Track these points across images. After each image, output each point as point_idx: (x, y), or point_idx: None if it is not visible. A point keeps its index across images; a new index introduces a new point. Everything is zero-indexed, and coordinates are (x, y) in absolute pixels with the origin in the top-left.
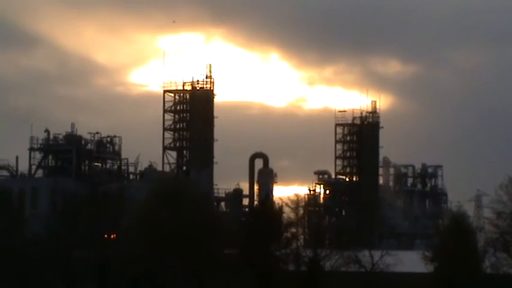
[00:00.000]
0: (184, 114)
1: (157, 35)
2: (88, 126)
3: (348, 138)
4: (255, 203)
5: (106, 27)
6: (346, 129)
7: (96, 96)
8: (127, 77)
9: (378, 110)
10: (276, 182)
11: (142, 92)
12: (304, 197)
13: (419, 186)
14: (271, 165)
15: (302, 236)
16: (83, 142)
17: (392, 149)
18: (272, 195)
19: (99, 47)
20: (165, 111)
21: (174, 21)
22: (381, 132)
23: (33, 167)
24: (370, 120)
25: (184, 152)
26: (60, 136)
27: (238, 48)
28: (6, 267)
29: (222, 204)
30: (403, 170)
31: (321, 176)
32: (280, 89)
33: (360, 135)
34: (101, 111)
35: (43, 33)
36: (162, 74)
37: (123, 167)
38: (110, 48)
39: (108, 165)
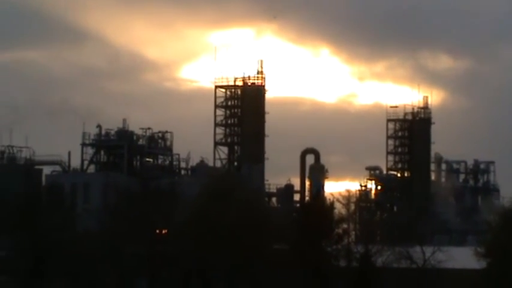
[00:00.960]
0: (236, 110)
1: (208, 30)
2: (139, 122)
3: (400, 133)
4: (306, 198)
5: (156, 22)
6: (397, 124)
7: (147, 91)
8: (177, 73)
9: (429, 106)
10: (327, 178)
11: (193, 88)
12: (356, 193)
13: (471, 182)
14: (322, 160)
15: (353, 232)
16: (134, 138)
17: (444, 144)
18: (323, 191)
19: (150, 43)
20: (216, 106)
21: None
22: (433, 127)
23: (85, 163)
24: (422, 115)
25: (236, 147)
26: (112, 132)
27: (289, 43)
28: (58, 262)
29: (273, 199)
30: (455, 166)
31: (372, 172)
32: (331, 85)
33: (412, 130)
34: (152, 106)
35: (93, 29)
36: (213, 69)
37: (174, 163)
38: (160, 44)
39: (159, 161)
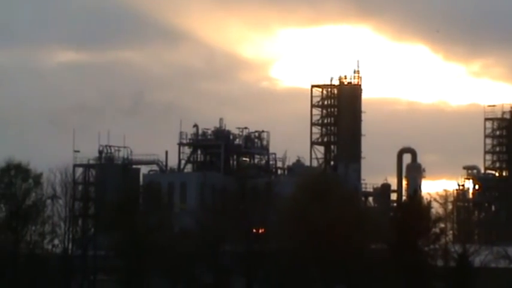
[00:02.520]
0: (332, 109)
1: (303, 30)
2: (235, 121)
3: (498, 133)
4: (403, 198)
5: (252, 22)
6: (495, 123)
7: (243, 91)
8: (273, 72)
9: None
10: (424, 177)
11: (289, 87)
12: (453, 192)
13: None
14: (419, 160)
15: (451, 232)
16: (231, 137)
17: None
18: (420, 190)
19: (245, 43)
20: (312, 106)
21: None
22: None
23: (182, 162)
24: None
25: (332, 146)
26: (209, 131)
27: (385, 42)
28: (156, 261)
29: (370, 199)
30: None
31: (470, 171)
32: (428, 83)
33: (510, 129)
34: (248, 106)
35: (190, 29)
36: (309, 68)
37: (270, 162)
38: (255, 43)
39: (256, 160)
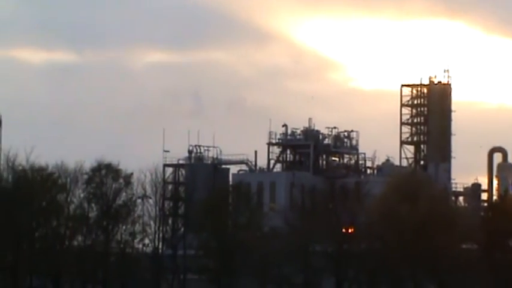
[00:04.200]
0: (422, 109)
1: (391, 28)
2: (324, 121)
3: None
4: (494, 198)
5: (339, 21)
6: None
7: (331, 91)
8: (361, 71)
9: None
10: None
11: (377, 86)
12: None
13: None
14: (510, 159)
15: None
16: (320, 137)
17: None
18: (511, 190)
19: (333, 42)
20: (402, 105)
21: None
22: None
23: (272, 162)
24: None
25: (422, 146)
26: (298, 131)
27: (474, 41)
28: (245, 261)
29: (460, 199)
30: None
31: None
32: None
33: None
34: (337, 105)
35: (278, 29)
36: (398, 68)
37: (360, 162)
38: (343, 43)
39: (345, 160)
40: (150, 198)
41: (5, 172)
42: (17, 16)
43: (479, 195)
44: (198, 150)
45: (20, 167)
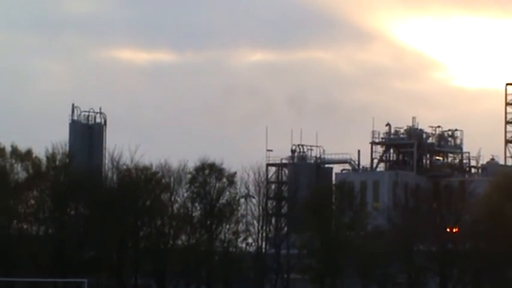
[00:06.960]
0: None
1: (493, 26)
2: (427, 120)
3: None
4: None
5: (441, 20)
6: None
7: (435, 90)
8: (464, 70)
9: None
10: None
11: (481, 85)
12: None
13: None
14: None
15: None
16: (424, 136)
17: None
18: None
19: (436, 41)
20: (507, 104)
21: None
22: None
23: (375, 161)
24: None
25: None
26: (401, 130)
27: None
28: (348, 260)
29: None
30: None
31: None
32: None
33: None
34: (440, 104)
35: (380, 28)
36: (501, 66)
37: (464, 161)
38: (445, 42)
39: (449, 159)
40: (254, 197)
41: (109, 172)
42: (119, 17)
43: None
44: (301, 150)
45: (125, 167)
